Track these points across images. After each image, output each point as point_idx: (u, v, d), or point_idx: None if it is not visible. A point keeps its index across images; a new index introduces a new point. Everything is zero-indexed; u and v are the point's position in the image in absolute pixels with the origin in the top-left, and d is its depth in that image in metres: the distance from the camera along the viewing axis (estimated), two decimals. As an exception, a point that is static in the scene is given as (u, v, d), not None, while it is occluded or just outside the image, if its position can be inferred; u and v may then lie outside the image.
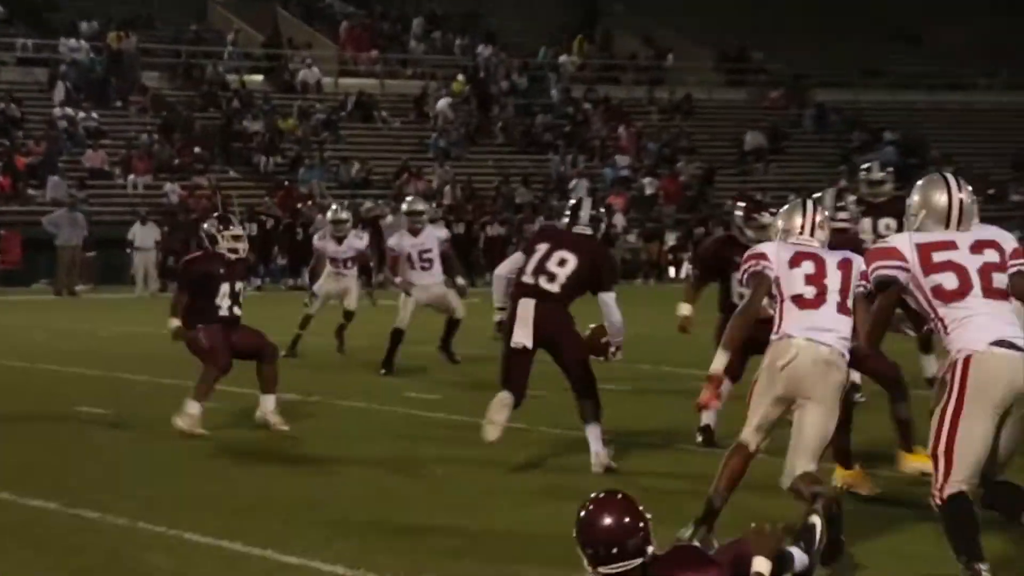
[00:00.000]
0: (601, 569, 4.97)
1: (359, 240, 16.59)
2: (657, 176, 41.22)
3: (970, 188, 6.43)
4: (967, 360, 6.07)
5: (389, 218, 32.14)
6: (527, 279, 9.23)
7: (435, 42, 46.94)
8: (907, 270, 6.27)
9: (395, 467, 9.33)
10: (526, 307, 9.17)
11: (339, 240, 16.42)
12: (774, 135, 45.15)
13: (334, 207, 17.48)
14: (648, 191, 40.56)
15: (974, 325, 6.13)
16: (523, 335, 9.13)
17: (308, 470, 9.22)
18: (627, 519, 4.93)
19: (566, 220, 9.59)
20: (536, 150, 42.25)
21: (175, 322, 10.94)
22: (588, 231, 9.49)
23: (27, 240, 33.00)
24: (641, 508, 4.99)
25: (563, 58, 46.87)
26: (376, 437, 10.72)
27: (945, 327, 6.19)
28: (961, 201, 6.38)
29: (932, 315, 6.25)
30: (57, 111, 38.94)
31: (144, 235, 31.59)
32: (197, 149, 38.38)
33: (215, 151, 38.88)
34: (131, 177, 37.01)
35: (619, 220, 36.81)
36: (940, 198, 6.39)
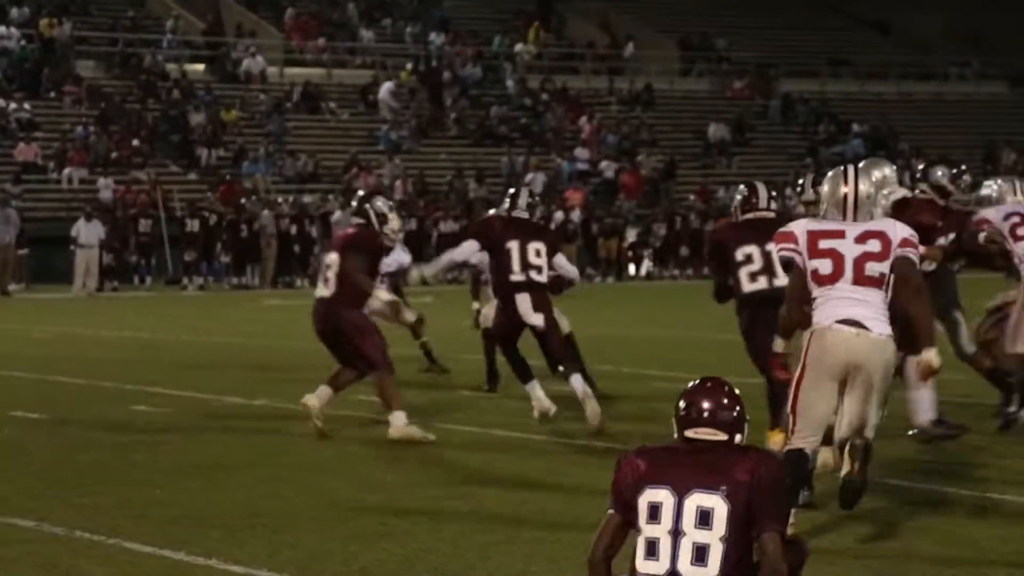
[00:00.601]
0: (691, 432, 5.14)
1: (406, 254, 14.21)
2: (618, 164, 41.37)
3: (876, 179, 7.58)
4: (811, 335, 7.23)
5: (337, 214, 32.13)
6: (518, 277, 10.84)
7: (385, 30, 46.93)
8: (800, 253, 7.26)
9: (342, 474, 9.36)
10: (524, 300, 10.87)
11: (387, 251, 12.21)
12: (738, 127, 45.38)
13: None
14: (607, 174, 40.73)
15: (828, 305, 7.19)
16: (537, 318, 10.90)
17: (251, 478, 9.24)
18: (739, 399, 5.18)
19: (506, 207, 11.25)
20: (491, 143, 42.32)
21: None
22: (526, 215, 11.24)
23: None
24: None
25: (519, 47, 46.95)
26: (323, 443, 10.75)
27: (813, 307, 7.28)
28: (856, 193, 7.31)
29: (812, 296, 7.30)
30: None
31: (88, 232, 31.48)
32: (135, 142, 38.26)
33: (154, 144, 38.77)
34: (66, 171, 36.87)
35: (576, 216, 36.94)
36: (839, 190, 7.34)
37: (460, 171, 39.40)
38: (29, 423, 11.71)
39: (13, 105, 38.57)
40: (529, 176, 39.04)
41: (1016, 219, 10.75)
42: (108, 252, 32.28)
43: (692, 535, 5.00)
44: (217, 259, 33.89)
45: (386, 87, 42.88)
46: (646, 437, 10.20)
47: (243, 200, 34.52)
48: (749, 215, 9.59)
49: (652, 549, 5.03)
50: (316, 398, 10.85)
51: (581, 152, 42.19)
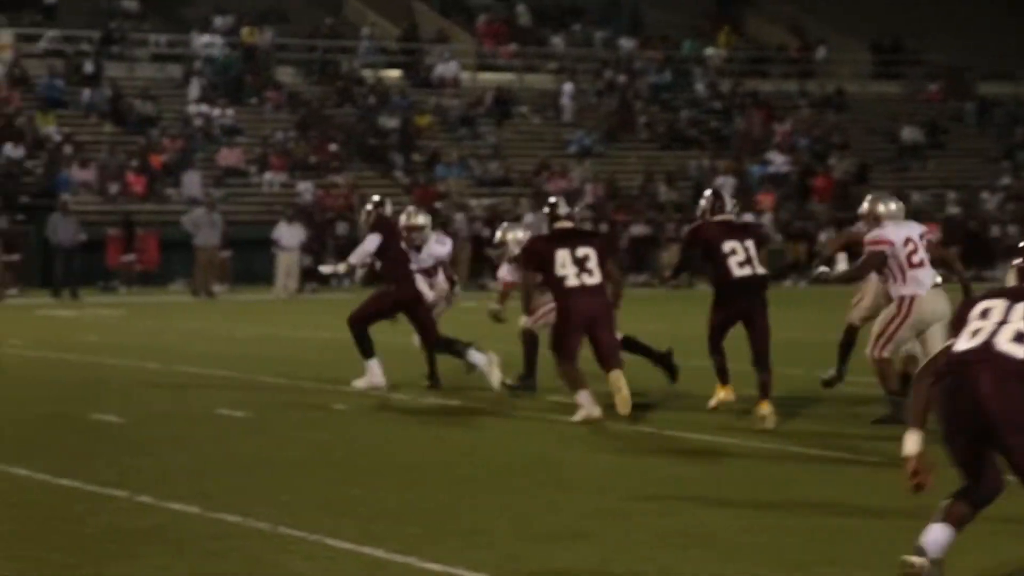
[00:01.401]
0: None
1: (441, 246, 14.72)
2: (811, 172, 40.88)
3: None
4: None
5: (528, 216, 32.27)
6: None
7: (575, 35, 46.99)
8: None
9: (535, 474, 9.39)
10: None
11: (418, 248, 14.28)
12: (932, 129, 44.53)
13: (409, 209, 14.83)
14: (795, 178, 40.26)
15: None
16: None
17: (447, 477, 9.31)
18: None
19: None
20: (680, 147, 42.13)
21: None
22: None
23: (163, 240, 33.63)
24: None
25: (709, 50, 46.68)
26: (517, 443, 10.80)
27: None
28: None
29: None
30: (192, 108, 39.65)
31: (289, 235, 32.07)
32: (333, 147, 38.84)
33: (350, 149, 39.32)
34: (267, 175, 37.58)
35: (767, 219, 36.58)
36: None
37: (650, 175, 39.27)
38: (232, 421, 11.96)
39: (217, 111, 39.44)
40: (719, 180, 38.78)
41: None
42: (308, 254, 32.81)
43: (1016, 324, 5.99)
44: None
45: (567, 90, 42.94)
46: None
47: (436, 204, 34.86)
48: (719, 216, 12.10)
49: (973, 335, 6.02)
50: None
51: (774, 155, 41.76)
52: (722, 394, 12.11)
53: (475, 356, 13.23)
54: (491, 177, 39.05)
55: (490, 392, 13.16)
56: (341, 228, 34.53)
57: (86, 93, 39.55)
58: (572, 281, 11.59)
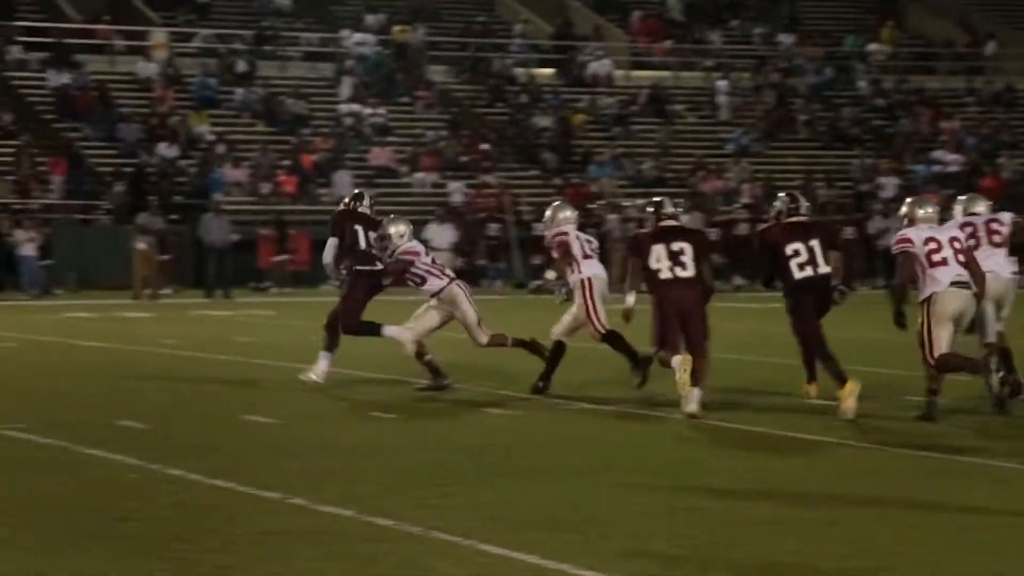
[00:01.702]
0: None
1: None
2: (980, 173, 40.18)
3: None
4: None
5: (684, 219, 32.10)
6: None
7: (733, 31, 46.71)
8: None
9: (686, 478, 9.33)
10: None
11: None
12: (1105, 127, 43.59)
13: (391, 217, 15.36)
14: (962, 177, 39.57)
15: None
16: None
17: (602, 482, 9.29)
18: None
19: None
20: (842, 146, 41.66)
21: None
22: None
23: (315, 240, 34.01)
24: None
25: (872, 46, 46.11)
26: (667, 447, 10.75)
27: None
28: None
29: None
30: (343, 107, 40.09)
31: (440, 235, 32.27)
32: (484, 146, 39.01)
33: (502, 148, 39.46)
34: (418, 175, 37.85)
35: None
36: None
37: (810, 174, 38.86)
38: (384, 423, 12.07)
39: (368, 110, 39.83)
40: (882, 180, 38.30)
41: None
42: (459, 255, 32.99)
43: None
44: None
45: (722, 88, 42.69)
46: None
47: (589, 204, 34.84)
48: (793, 218, 12.71)
49: None
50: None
51: (941, 155, 41.09)
52: (812, 391, 12.84)
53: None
54: (645, 177, 38.94)
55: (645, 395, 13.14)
56: (492, 229, 34.69)
57: (239, 92, 40.17)
58: (665, 274, 12.36)
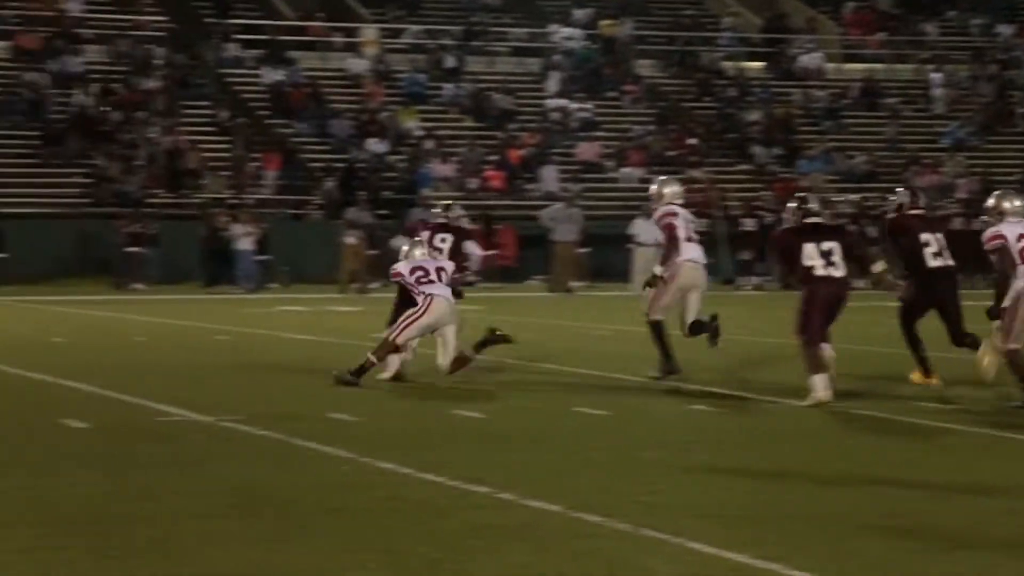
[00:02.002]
0: None
1: None
2: None
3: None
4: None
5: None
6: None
7: (949, 22, 45.81)
8: None
9: (906, 479, 9.19)
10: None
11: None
12: None
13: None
14: None
15: None
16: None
17: (811, 480, 9.21)
18: None
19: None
20: (1063, 139, 40.65)
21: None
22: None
23: (521, 236, 34.22)
24: None
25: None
26: (885, 445, 10.61)
27: None
28: None
29: None
30: (550, 102, 40.25)
31: (647, 231, 32.21)
32: (692, 141, 38.84)
33: (711, 142, 39.24)
34: (625, 170, 37.83)
35: None
36: None
37: (1031, 169, 37.95)
38: (592, 419, 12.10)
39: (575, 105, 39.92)
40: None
41: None
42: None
43: None
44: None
45: (937, 80, 41.87)
46: None
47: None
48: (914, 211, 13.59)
49: None
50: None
51: None
52: (916, 377, 13.62)
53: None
54: (856, 172, 38.40)
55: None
56: (700, 224, 34.49)
57: (447, 88, 40.58)
58: (820, 271, 12.57)
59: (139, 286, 33.70)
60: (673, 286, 14.31)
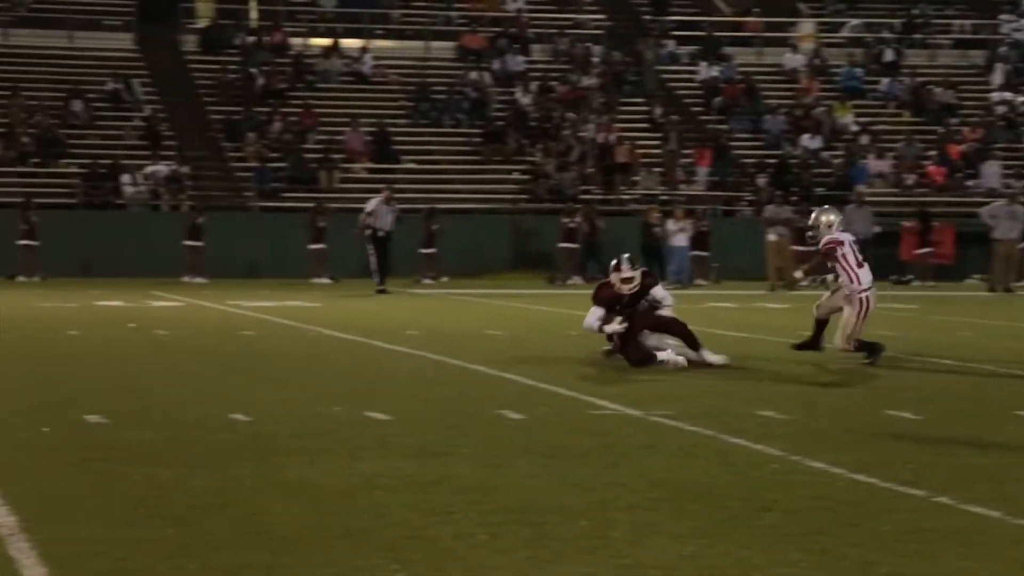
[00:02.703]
0: None
1: None
2: None
3: None
4: None
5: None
6: None
7: None
8: None
9: None
10: None
11: None
12: None
13: None
14: None
15: None
16: None
17: None
18: None
19: None
20: None
21: None
22: None
23: (960, 233, 33.35)
24: None
25: None
26: None
27: None
28: None
29: None
30: (995, 95, 39.06)
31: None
32: None
33: None
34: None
35: None
36: None
37: None
38: (1034, 424, 11.72)
39: (1022, 98, 38.66)
40: None
41: None
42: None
43: None
44: None
45: None
46: None
47: None
48: None
49: None
50: None
51: None
52: None
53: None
54: None
55: None
56: None
57: (884, 82, 39.90)
58: None
59: (577, 280, 34.41)
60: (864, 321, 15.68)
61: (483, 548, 7.06)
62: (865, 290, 15.22)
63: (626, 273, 15.48)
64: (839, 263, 15.30)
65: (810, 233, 15.96)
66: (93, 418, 11.10)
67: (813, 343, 15.94)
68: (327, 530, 7.35)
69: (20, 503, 7.83)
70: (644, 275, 15.73)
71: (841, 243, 15.33)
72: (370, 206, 31.22)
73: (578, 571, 6.67)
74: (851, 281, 15.21)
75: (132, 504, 7.91)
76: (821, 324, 15.78)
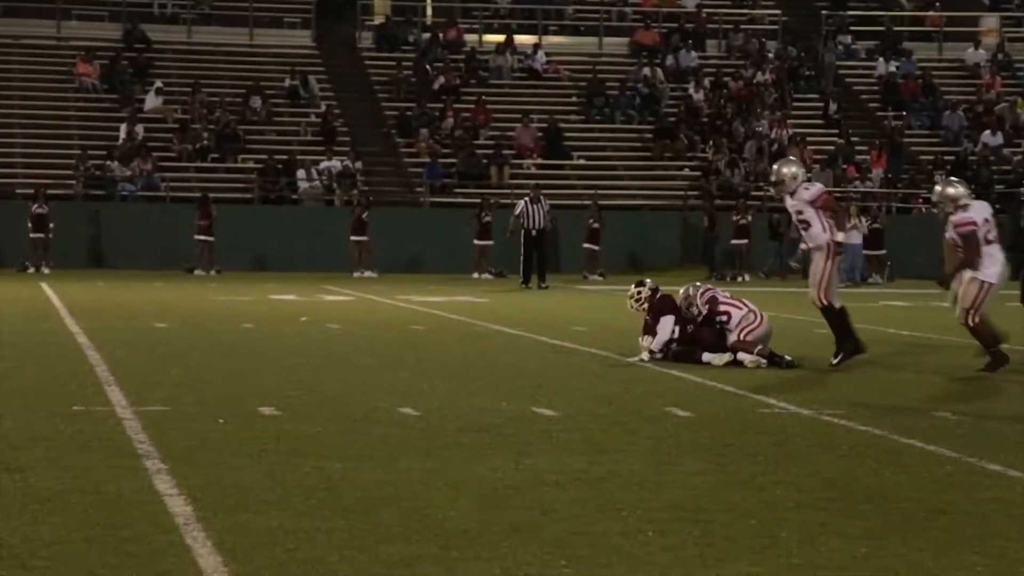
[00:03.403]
0: None
1: None
2: None
3: None
4: None
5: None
6: None
7: None
8: None
9: None
10: None
11: None
12: None
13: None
14: None
15: None
16: None
17: None
18: None
19: None
20: None
21: None
22: None
23: None
24: None
25: None
26: None
27: None
28: None
29: None
30: None
31: None
32: None
33: None
34: None
35: None
36: None
37: None
38: None
39: None
40: None
41: None
42: None
43: None
44: None
45: None
46: None
47: None
48: None
49: None
50: None
51: None
52: None
53: None
54: None
55: None
56: None
57: (1069, 78, 39.04)
58: None
59: (745, 277, 34.22)
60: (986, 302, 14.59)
61: (650, 545, 7.04)
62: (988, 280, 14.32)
63: (633, 291, 15.78)
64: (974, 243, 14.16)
65: (935, 210, 14.98)
66: (267, 410, 11.28)
67: (991, 347, 14.83)
68: (494, 525, 7.39)
69: (196, 493, 7.99)
70: (653, 294, 15.69)
71: (975, 223, 14.24)
72: (518, 209, 31.97)
73: (747, 571, 6.63)
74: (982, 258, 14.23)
75: (303, 495, 8.02)
76: (982, 327, 14.74)
